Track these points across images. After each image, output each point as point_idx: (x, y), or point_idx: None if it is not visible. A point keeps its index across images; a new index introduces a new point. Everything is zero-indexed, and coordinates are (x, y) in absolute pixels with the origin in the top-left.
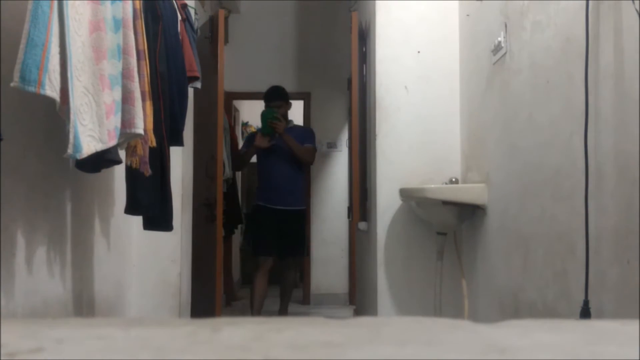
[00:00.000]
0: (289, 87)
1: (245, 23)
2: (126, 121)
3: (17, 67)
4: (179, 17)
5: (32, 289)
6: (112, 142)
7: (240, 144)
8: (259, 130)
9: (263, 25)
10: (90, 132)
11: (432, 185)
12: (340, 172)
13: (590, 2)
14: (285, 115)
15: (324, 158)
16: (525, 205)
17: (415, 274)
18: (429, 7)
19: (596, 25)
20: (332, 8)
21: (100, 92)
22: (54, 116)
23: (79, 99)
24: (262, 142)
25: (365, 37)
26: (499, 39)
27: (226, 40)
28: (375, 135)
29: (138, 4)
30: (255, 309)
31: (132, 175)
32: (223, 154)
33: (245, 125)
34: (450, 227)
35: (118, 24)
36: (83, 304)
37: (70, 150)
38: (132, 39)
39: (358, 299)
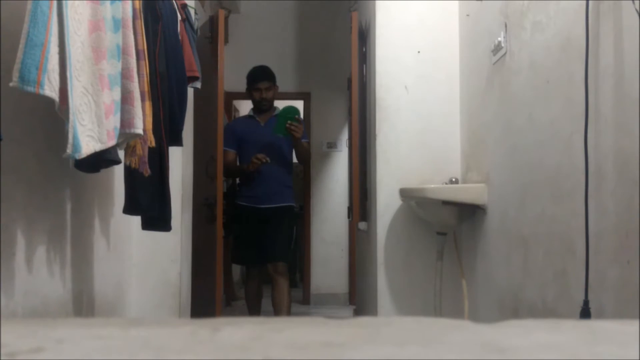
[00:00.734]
0: (289, 87)
1: (245, 23)
2: (125, 121)
3: (17, 67)
4: (179, 17)
5: (32, 288)
6: (112, 142)
7: None
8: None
9: (263, 25)
10: (90, 132)
11: (432, 185)
12: (340, 172)
13: (590, 2)
14: (273, 100)
15: (324, 158)
16: (525, 205)
17: (415, 274)
18: (429, 7)
19: (596, 25)
20: (332, 8)
21: (99, 92)
22: (54, 116)
23: (78, 99)
24: (257, 162)
25: (365, 37)
26: (499, 39)
27: (226, 40)
28: (375, 135)
29: (138, 4)
30: (253, 315)
31: (131, 175)
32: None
33: None
34: (450, 227)
35: (118, 24)
36: (83, 304)
37: (69, 150)
38: (131, 39)
39: (358, 299)
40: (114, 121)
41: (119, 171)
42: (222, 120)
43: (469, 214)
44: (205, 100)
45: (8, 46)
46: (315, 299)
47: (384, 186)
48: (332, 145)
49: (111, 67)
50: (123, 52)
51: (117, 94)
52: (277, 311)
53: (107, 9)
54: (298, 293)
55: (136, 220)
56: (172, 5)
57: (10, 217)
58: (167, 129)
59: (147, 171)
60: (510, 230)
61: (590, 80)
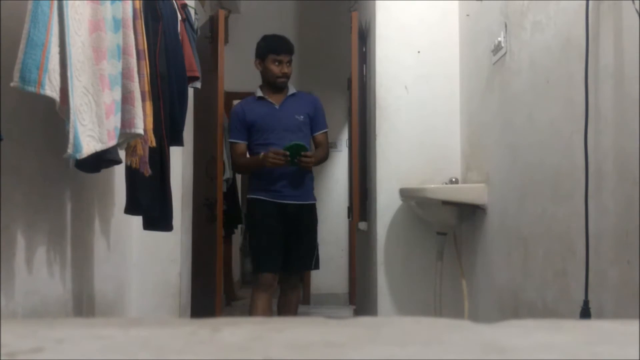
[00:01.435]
0: None
1: (245, 23)
2: (126, 121)
3: (17, 67)
4: (179, 17)
5: (32, 289)
6: (112, 142)
7: None
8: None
9: (263, 25)
10: (90, 132)
11: (432, 185)
12: (340, 172)
13: (590, 2)
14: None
15: None
16: (525, 205)
17: (415, 274)
18: (429, 7)
19: (596, 25)
20: (332, 8)
21: (100, 92)
22: (54, 116)
23: (78, 99)
24: (277, 161)
25: (365, 37)
26: (499, 39)
27: (226, 40)
28: (375, 135)
29: (138, 4)
30: None
31: (131, 175)
32: (223, 154)
33: None
34: (450, 227)
35: (118, 24)
36: (83, 304)
37: (70, 150)
38: (132, 39)
39: (358, 299)
40: (115, 121)
41: (119, 171)
42: (222, 120)
43: (469, 214)
44: (205, 100)
45: (9, 46)
46: (315, 299)
47: (384, 186)
48: (332, 145)
49: (111, 67)
50: (123, 52)
51: (117, 94)
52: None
53: (108, 9)
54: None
55: (136, 220)
56: (172, 5)
57: (10, 218)
58: (167, 129)
59: (147, 171)
60: (510, 230)
61: (590, 80)
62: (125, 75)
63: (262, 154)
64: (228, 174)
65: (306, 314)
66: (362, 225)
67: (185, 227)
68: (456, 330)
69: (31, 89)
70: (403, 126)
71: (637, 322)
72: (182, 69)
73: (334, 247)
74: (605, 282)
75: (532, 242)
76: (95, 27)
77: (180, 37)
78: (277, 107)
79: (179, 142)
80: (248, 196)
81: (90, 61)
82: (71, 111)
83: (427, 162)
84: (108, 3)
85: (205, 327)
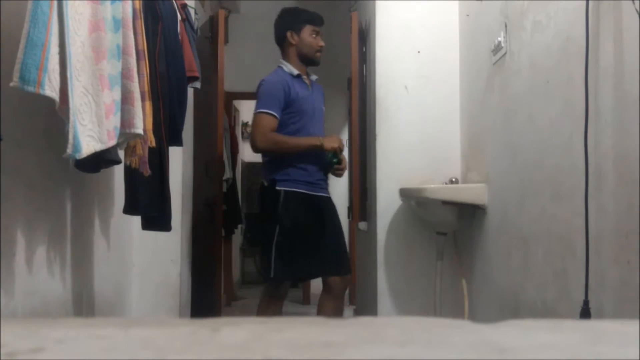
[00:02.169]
0: None
1: (245, 23)
2: (126, 121)
3: (17, 67)
4: (179, 17)
5: (32, 288)
6: (112, 142)
7: (241, 144)
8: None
9: (263, 25)
10: (90, 132)
11: (432, 185)
12: None
13: (590, 2)
14: None
15: None
16: (525, 205)
17: (415, 274)
18: (429, 7)
19: (596, 25)
20: (332, 8)
21: (99, 92)
22: (54, 116)
23: (78, 99)
24: (334, 143)
25: (365, 37)
26: (499, 39)
27: (226, 40)
28: (375, 135)
29: (138, 4)
30: None
31: (131, 175)
32: (223, 154)
33: (245, 125)
34: (450, 227)
35: (118, 24)
36: (83, 304)
37: (69, 150)
38: (131, 39)
39: (358, 299)
40: (114, 121)
41: (119, 171)
42: (222, 120)
43: (469, 214)
44: (205, 100)
45: (8, 46)
46: (315, 299)
47: (384, 186)
48: None
49: (111, 67)
50: (123, 52)
51: (117, 94)
52: None
53: (107, 9)
54: (298, 293)
55: (136, 220)
56: (172, 5)
57: (10, 217)
58: (167, 129)
59: (147, 171)
60: (510, 230)
61: (590, 80)
62: (125, 75)
63: (321, 137)
64: (228, 174)
65: (306, 314)
66: (362, 225)
67: (185, 227)
68: (456, 330)
69: (31, 89)
70: (403, 126)
71: (637, 322)
72: (181, 69)
73: None
74: (605, 282)
75: (532, 242)
76: (95, 27)
77: (180, 37)
78: (309, 90)
79: (178, 142)
80: (283, 189)
81: (90, 61)
82: (71, 111)
83: (427, 162)
84: (108, 3)
85: (205, 327)
